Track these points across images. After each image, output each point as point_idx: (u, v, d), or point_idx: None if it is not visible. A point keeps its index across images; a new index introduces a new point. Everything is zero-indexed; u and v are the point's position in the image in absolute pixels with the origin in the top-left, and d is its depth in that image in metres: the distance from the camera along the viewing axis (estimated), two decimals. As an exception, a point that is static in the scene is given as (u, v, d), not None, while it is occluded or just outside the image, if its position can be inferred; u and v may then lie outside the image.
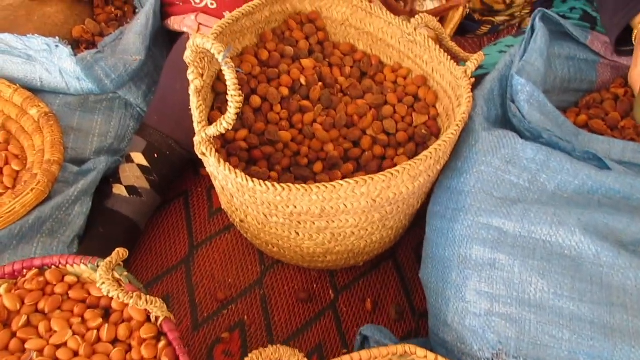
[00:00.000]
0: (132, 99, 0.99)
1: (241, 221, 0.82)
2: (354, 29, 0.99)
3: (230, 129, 0.68)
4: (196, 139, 0.72)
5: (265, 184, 0.68)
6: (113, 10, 1.08)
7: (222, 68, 0.66)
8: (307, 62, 0.94)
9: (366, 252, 0.87)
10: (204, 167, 1.06)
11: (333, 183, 0.68)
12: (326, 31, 1.00)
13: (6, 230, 0.78)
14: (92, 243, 0.87)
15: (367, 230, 0.79)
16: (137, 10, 1.09)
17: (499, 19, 1.17)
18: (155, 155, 0.94)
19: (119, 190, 0.93)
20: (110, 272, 0.61)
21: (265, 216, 0.75)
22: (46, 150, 0.85)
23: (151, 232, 0.99)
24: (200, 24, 0.95)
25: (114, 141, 0.98)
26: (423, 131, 0.89)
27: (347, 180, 0.68)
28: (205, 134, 0.70)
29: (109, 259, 0.63)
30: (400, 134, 0.89)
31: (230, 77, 0.66)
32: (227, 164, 0.70)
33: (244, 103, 0.88)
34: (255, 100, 0.88)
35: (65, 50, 0.88)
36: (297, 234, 0.78)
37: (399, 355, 0.66)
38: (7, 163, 0.87)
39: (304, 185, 0.68)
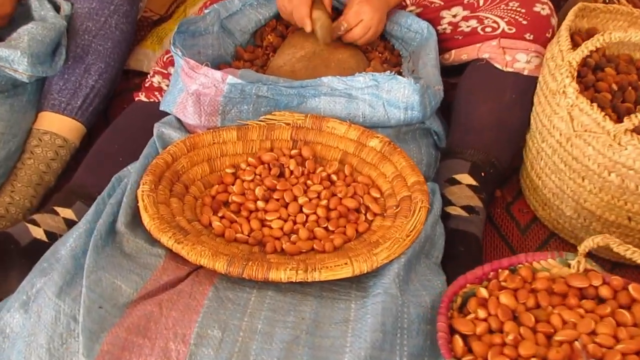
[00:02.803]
0: (435, 127, 1.02)
1: (628, 217, 0.83)
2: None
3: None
4: (617, 132, 0.75)
5: None
6: (379, 55, 1.14)
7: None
8: (610, 70, 0.98)
9: None
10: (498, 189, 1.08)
11: None
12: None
13: (410, 249, 0.78)
14: (459, 262, 0.86)
15: None
16: (401, 54, 1.15)
17: None
18: (482, 174, 0.96)
19: (456, 211, 0.94)
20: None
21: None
22: (407, 174, 0.87)
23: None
24: (504, 47, 1.00)
25: (426, 168, 1.00)
26: None
27: None
28: (633, 123, 0.73)
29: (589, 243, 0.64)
30: None
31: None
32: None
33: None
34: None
35: (404, 80, 0.92)
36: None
37: None
38: (366, 192, 0.88)
39: None
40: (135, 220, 0.81)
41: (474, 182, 0.95)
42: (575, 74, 0.82)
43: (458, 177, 0.96)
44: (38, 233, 0.91)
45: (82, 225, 0.83)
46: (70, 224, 0.93)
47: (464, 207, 0.94)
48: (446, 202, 0.95)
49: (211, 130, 0.93)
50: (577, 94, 0.80)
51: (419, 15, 1.13)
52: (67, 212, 0.95)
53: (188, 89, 0.93)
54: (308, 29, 1.04)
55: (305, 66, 1.05)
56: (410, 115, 0.96)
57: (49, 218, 0.93)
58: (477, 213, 0.94)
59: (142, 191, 0.81)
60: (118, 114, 1.21)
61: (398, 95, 0.94)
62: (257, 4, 1.19)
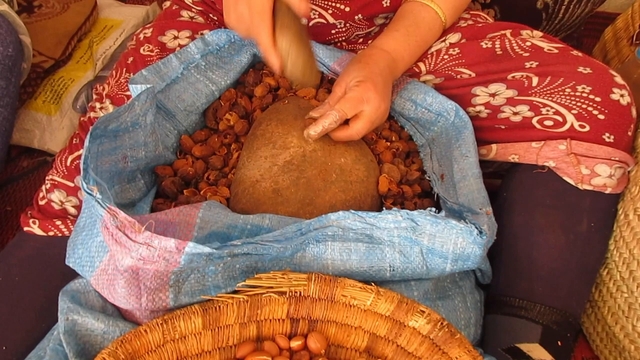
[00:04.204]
0: (482, 266, 0.72)
1: None
2: None
3: None
4: None
5: None
6: (387, 144, 0.81)
7: None
8: None
9: None
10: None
11: None
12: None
13: None
14: None
15: None
16: (414, 139, 0.83)
17: None
18: (559, 344, 0.67)
19: (530, 405, 0.65)
20: None
21: None
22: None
23: None
24: (576, 154, 0.70)
25: (474, 328, 0.70)
26: None
27: None
28: None
29: None
30: None
31: None
32: None
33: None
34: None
35: (457, 226, 0.61)
36: None
37: None
38: (415, 412, 0.57)
39: None
40: None
41: (548, 357, 0.67)
42: None
43: (525, 348, 0.67)
44: None
45: None
46: None
47: (540, 398, 0.65)
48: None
49: (160, 321, 0.56)
50: None
51: (438, 88, 0.81)
52: None
53: (117, 262, 0.55)
54: (275, 66, 0.65)
55: (294, 181, 0.70)
56: (460, 266, 0.65)
57: None
58: (560, 405, 0.66)
59: None
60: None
61: (447, 245, 0.62)
62: (206, 65, 0.81)
